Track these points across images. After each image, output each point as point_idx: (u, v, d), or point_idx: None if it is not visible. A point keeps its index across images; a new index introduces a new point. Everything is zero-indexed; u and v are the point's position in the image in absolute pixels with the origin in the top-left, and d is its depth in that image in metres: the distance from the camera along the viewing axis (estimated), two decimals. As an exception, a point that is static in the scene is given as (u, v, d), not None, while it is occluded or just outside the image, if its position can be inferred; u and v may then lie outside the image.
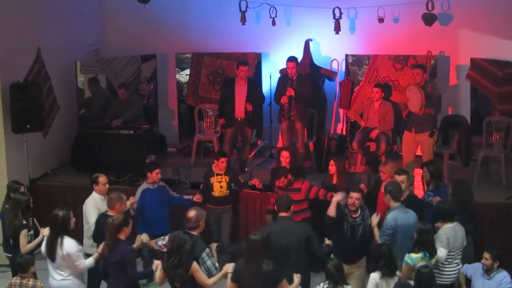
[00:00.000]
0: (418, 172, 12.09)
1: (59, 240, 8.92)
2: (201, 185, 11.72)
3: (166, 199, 11.32)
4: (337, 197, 9.95)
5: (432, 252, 9.01)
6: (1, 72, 12.08)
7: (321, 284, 8.39)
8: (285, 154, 11.41)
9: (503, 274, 8.80)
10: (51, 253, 8.96)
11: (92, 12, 15.35)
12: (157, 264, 8.69)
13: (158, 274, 8.58)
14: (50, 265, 9.10)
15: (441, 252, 9.21)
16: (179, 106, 15.80)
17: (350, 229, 9.76)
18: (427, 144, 12.26)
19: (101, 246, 9.02)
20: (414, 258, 8.86)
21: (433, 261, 9.03)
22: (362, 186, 10.63)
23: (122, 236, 8.71)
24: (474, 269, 9.10)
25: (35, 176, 13.16)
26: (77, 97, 14.46)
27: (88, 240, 10.25)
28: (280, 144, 13.89)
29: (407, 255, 8.92)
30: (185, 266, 8.18)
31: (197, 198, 11.43)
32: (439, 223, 9.43)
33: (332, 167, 11.27)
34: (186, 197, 11.59)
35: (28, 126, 12.31)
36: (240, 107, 13.26)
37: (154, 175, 11.13)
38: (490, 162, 13.24)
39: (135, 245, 9.35)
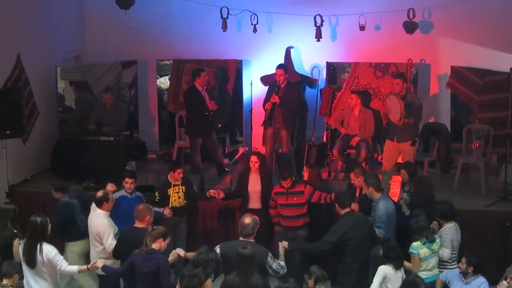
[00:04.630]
0: (396, 180, 12.16)
1: (38, 246, 8.87)
2: (157, 197, 11.30)
3: None
4: None
5: (430, 236, 9.38)
6: (-20, 77, 12.03)
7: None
8: (254, 158, 11.36)
9: (481, 280, 8.90)
10: (30, 260, 8.86)
11: (73, 18, 15.30)
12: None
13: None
14: (28, 273, 8.97)
15: (444, 252, 9.57)
16: (160, 113, 15.75)
17: None
18: (409, 153, 12.17)
19: (96, 262, 9.15)
20: (416, 246, 9.36)
21: (434, 246, 9.40)
22: None
23: (156, 247, 8.65)
24: (452, 275, 9.21)
25: (15, 182, 13.07)
26: (57, 103, 14.39)
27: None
28: (262, 150, 13.85)
29: (411, 246, 9.35)
30: (200, 279, 8.09)
31: (167, 212, 11.14)
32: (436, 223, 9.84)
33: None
34: (156, 209, 11.10)
35: (8, 132, 12.19)
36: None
37: (125, 184, 10.91)
38: (470, 170, 13.31)
39: (170, 259, 9.11)
